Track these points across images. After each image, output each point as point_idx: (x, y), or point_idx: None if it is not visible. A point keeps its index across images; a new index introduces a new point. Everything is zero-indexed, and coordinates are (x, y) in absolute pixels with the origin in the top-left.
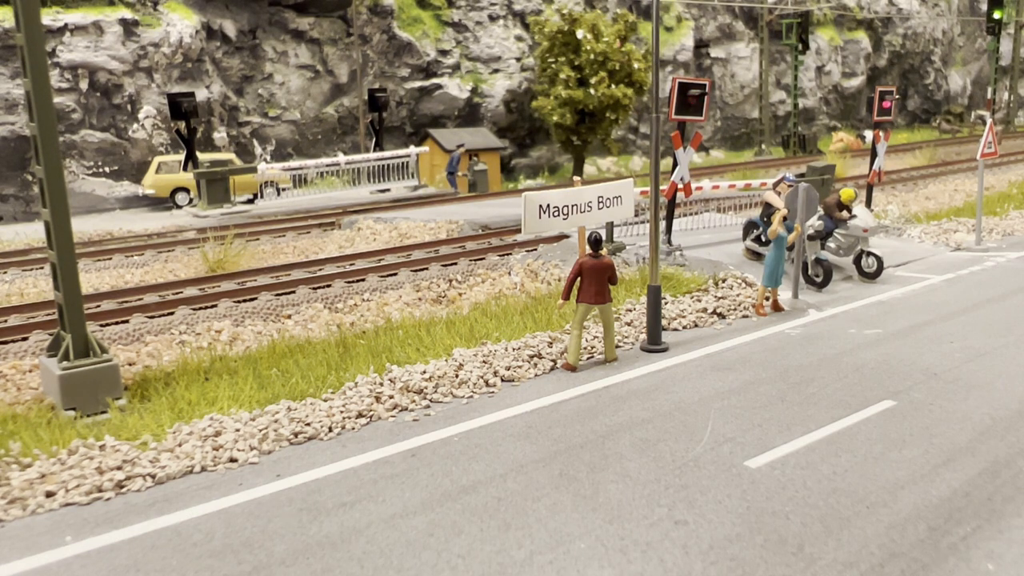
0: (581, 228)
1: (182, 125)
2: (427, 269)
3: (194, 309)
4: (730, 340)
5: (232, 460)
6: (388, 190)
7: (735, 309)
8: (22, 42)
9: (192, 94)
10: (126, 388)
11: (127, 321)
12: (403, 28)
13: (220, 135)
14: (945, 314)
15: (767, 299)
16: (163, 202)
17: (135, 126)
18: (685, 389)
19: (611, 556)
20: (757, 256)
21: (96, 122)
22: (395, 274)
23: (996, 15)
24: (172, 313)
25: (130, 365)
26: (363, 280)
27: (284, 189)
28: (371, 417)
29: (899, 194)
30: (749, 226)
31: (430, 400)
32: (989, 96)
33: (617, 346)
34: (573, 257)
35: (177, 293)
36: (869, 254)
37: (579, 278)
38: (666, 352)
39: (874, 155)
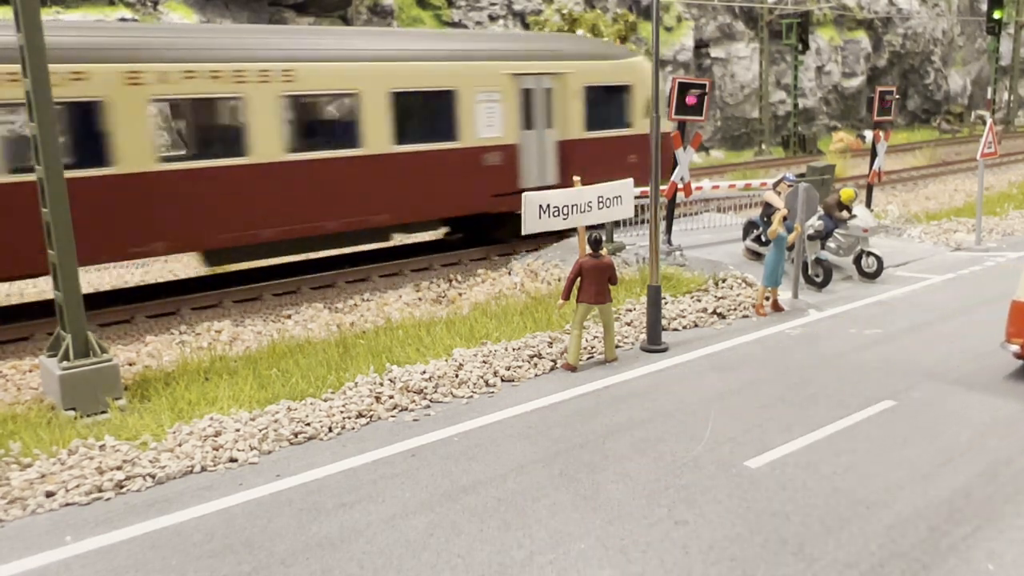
0: (581, 228)
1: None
2: (427, 269)
3: (194, 309)
4: (730, 340)
5: (232, 460)
6: None
7: (735, 309)
8: (22, 42)
9: None
10: (126, 388)
11: (127, 321)
12: (403, 28)
13: None
14: (945, 314)
15: (767, 299)
16: None
17: None
18: (685, 389)
19: (611, 556)
20: (757, 256)
21: None
22: (395, 274)
23: (996, 15)
24: (172, 313)
25: (130, 365)
26: (363, 280)
27: None
28: (371, 417)
29: (899, 194)
30: (749, 226)
31: (430, 400)
32: (989, 96)
33: (617, 346)
34: (573, 257)
35: (177, 293)
36: (869, 254)
37: (579, 278)
38: (666, 352)
39: (874, 155)
